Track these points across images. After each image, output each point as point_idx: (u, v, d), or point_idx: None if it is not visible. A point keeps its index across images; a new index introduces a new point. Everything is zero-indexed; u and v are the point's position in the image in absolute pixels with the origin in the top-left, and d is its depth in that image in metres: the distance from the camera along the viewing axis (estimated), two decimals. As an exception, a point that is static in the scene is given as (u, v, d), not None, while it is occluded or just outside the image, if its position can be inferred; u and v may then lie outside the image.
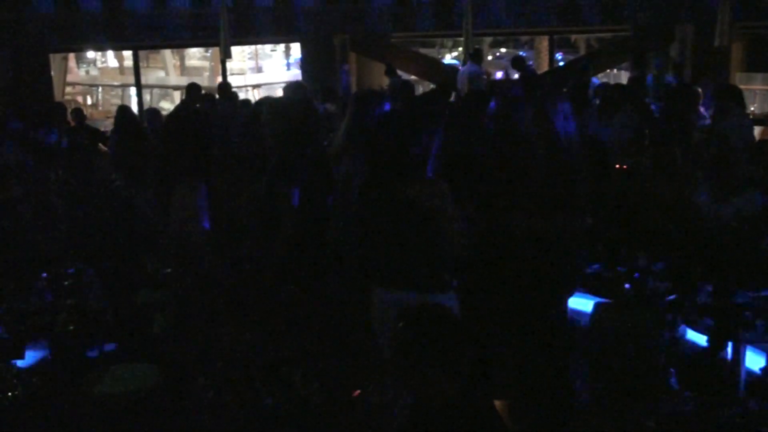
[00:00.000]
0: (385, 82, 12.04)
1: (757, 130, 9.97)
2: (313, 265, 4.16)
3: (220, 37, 11.83)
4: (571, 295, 4.22)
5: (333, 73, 13.34)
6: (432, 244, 3.37)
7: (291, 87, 9.92)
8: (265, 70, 18.31)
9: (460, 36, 11.74)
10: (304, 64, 14.65)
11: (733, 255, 5.08)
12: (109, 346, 5.08)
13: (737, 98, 7.94)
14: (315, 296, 4.20)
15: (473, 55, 11.56)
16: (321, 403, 3.64)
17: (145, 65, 17.22)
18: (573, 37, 17.71)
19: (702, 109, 8.75)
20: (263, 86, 16.90)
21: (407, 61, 13.63)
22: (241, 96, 12.87)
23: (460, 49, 14.16)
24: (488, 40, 17.47)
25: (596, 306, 5.02)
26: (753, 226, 5.30)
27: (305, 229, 4.11)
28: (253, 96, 16.01)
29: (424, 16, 13.30)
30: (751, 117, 9.19)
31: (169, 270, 5.28)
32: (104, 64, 18.65)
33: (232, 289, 4.38)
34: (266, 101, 6.33)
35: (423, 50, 16.59)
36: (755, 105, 11.47)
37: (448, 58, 18.80)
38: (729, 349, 4.55)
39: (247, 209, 5.00)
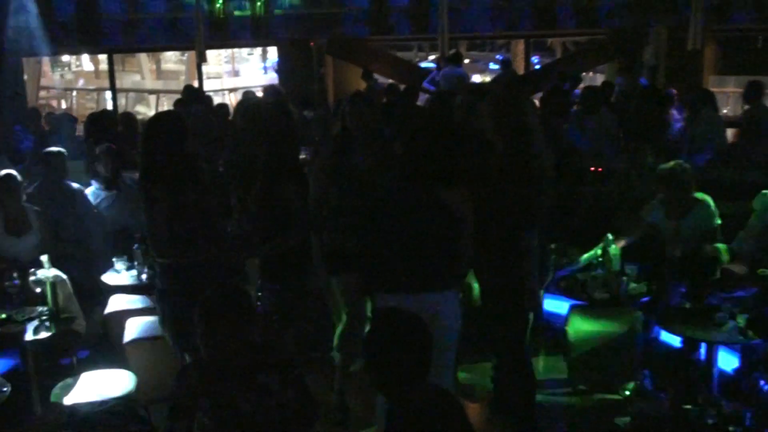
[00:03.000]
0: (362, 85, 12.05)
1: (730, 132, 10.08)
2: (300, 266, 4.17)
3: (196, 40, 11.77)
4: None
5: (310, 76, 13.32)
6: (457, 246, 3.53)
7: (268, 91, 9.92)
8: (241, 73, 18.27)
9: (437, 39, 11.76)
10: (281, 67, 14.63)
11: (706, 255, 5.13)
12: (83, 353, 5.05)
13: (710, 101, 8.04)
14: (295, 299, 4.20)
15: (452, 58, 11.62)
16: (299, 410, 3.63)
17: (121, 69, 17.10)
18: (549, 40, 17.81)
19: (675, 112, 8.82)
20: (240, 90, 16.86)
21: (384, 65, 13.64)
22: (218, 100, 12.84)
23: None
24: (464, 43, 17.52)
25: (571, 308, 5.06)
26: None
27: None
28: (230, 100, 15.97)
29: (400, 19, 13.31)
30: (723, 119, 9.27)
31: (144, 276, 5.25)
32: (79, 68, 18.51)
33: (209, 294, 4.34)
34: (243, 104, 6.33)
35: (400, 54, 16.62)
36: (728, 107, 11.60)
37: (425, 62, 18.85)
38: (702, 350, 4.60)
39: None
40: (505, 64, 12.61)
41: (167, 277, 3.98)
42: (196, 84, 14.12)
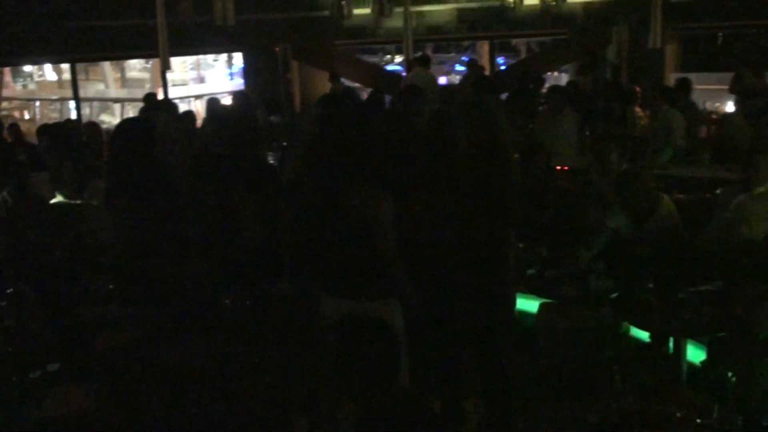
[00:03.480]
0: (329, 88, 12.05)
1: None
2: (268, 272, 4.14)
3: (160, 48, 11.67)
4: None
5: (276, 82, 13.29)
6: (370, 253, 3.33)
7: (236, 97, 9.88)
8: (207, 80, 18.15)
9: (402, 42, 11.80)
10: (247, 73, 14.57)
11: (670, 251, 5.19)
12: (52, 367, 4.98)
13: (669, 98, 8.15)
14: (264, 305, 4.17)
15: (421, 60, 11.67)
16: (269, 417, 3.62)
17: (84, 78, 16.91)
18: (514, 41, 17.93)
19: (638, 109, 8.94)
20: (206, 96, 16.76)
21: (350, 68, 13.65)
22: (184, 107, 12.75)
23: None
24: (430, 45, 17.57)
25: (541, 306, 5.10)
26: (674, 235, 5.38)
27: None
28: (196, 107, 15.85)
29: (365, 23, 13.33)
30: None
31: (111, 286, 5.19)
32: (42, 78, 18.27)
33: (179, 302, 4.32)
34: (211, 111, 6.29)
35: (365, 57, 16.64)
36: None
37: (391, 65, 18.88)
38: (670, 344, 4.65)
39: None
40: (471, 64, 12.68)
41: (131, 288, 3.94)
42: (161, 92, 14.04)
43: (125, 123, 4.50)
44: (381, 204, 3.33)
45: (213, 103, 9.80)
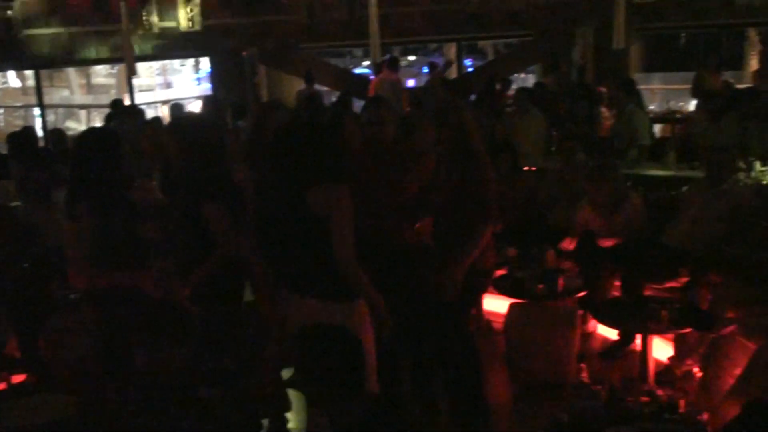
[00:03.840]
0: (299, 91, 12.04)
1: (657, 128, 10.37)
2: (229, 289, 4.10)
3: (125, 53, 11.59)
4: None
5: (243, 87, 13.24)
6: (329, 252, 3.27)
7: (205, 102, 9.81)
8: (174, 85, 18.01)
9: (369, 45, 11.83)
10: (214, 78, 14.50)
11: (636, 249, 5.27)
12: (18, 378, 4.92)
13: (634, 96, 8.25)
14: (233, 313, 4.15)
15: (391, 63, 11.71)
16: (239, 425, 3.60)
17: (49, 84, 16.70)
18: (480, 43, 18.02)
19: (604, 109, 9.04)
20: (173, 102, 16.64)
21: (317, 72, 13.63)
22: (151, 113, 12.66)
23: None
24: (398, 48, 17.60)
25: (510, 306, 5.14)
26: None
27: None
28: (163, 113, 15.74)
29: (332, 25, 13.32)
30: (650, 115, 9.53)
31: (73, 296, 5.13)
32: (5, 85, 18.02)
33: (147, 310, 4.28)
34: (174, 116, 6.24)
35: (333, 60, 16.63)
36: (655, 104, 11.92)
37: (360, 68, 18.89)
38: (637, 341, 4.72)
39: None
40: (432, 66, 12.71)
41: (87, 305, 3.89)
42: (127, 97, 13.92)
43: (89, 132, 4.44)
44: (340, 201, 3.31)
45: (176, 110, 9.75)
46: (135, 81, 14.46)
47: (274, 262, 3.51)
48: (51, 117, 15.93)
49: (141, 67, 14.04)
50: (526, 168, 7.04)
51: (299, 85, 13.80)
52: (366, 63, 17.46)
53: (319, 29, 13.26)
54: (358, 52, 18.75)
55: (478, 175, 3.97)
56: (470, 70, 15.33)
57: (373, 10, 10.64)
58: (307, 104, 9.65)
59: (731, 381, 3.84)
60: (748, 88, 9.19)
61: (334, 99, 11.80)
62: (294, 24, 13.23)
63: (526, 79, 15.24)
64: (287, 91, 13.60)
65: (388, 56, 12.25)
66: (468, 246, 3.93)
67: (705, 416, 3.81)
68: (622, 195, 5.50)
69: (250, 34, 13.51)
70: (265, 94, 13.53)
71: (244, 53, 13.51)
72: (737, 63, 13.10)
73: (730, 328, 4.11)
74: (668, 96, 12.40)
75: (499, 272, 5.37)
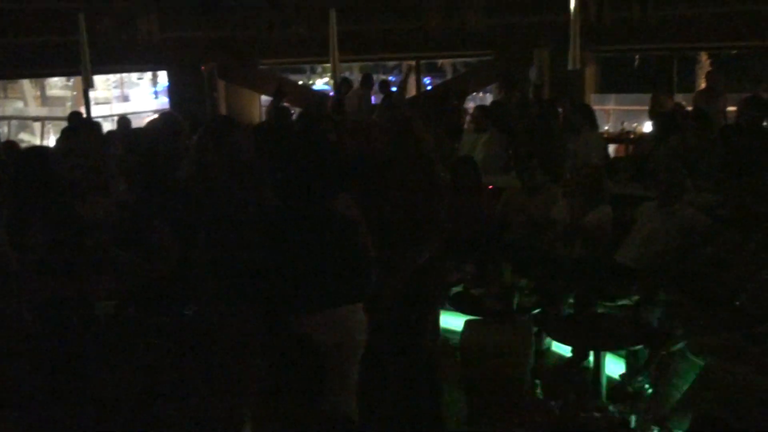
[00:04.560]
0: (254, 109, 12.04)
1: (612, 148, 10.57)
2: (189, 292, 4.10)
3: (82, 65, 11.45)
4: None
5: (202, 101, 13.18)
6: (355, 254, 3.44)
7: (162, 118, 9.73)
8: (131, 98, 17.88)
9: (328, 62, 11.88)
10: (172, 92, 14.40)
11: (590, 266, 5.37)
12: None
13: (589, 117, 8.40)
14: (189, 324, 4.13)
15: (364, 80, 11.85)
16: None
17: (2, 96, 16.46)
18: (440, 61, 18.19)
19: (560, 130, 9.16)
20: (130, 116, 16.49)
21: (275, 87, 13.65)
22: (108, 126, 12.51)
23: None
24: (356, 65, 17.70)
25: (466, 323, 5.17)
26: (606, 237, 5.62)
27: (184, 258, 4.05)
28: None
29: (292, 41, 13.33)
30: (605, 135, 9.71)
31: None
32: (-42, 96, 17.73)
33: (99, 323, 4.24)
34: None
35: (293, 76, 16.66)
36: (609, 124, 12.16)
37: (319, 84, 18.94)
38: (591, 358, 4.79)
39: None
40: (383, 85, 12.76)
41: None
42: (83, 110, 13.74)
43: (24, 153, 4.45)
44: (354, 206, 3.45)
45: (123, 123, 9.71)
46: (91, 94, 14.31)
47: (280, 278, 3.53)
48: (4, 129, 15.69)
49: (98, 79, 13.89)
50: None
51: (258, 100, 13.82)
52: (325, 80, 17.51)
53: (279, 45, 13.27)
54: (318, 68, 18.81)
55: (429, 190, 4.02)
56: (429, 88, 15.49)
57: (333, 27, 10.70)
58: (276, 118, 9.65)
59: (680, 396, 3.92)
60: (698, 109, 9.42)
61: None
62: (253, 39, 13.22)
63: (485, 99, 15.44)
64: (246, 107, 13.56)
65: (344, 74, 12.38)
66: (408, 256, 3.96)
67: (655, 431, 3.89)
68: (599, 197, 5.66)
69: (209, 48, 13.46)
70: (223, 110, 13.48)
71: (202, 67, 13.46)
72: (689, 86, 13.43)
73: (680, 345, 4.20)
74: (622, 117, 12.66)
75: (456, 289, 5.43)
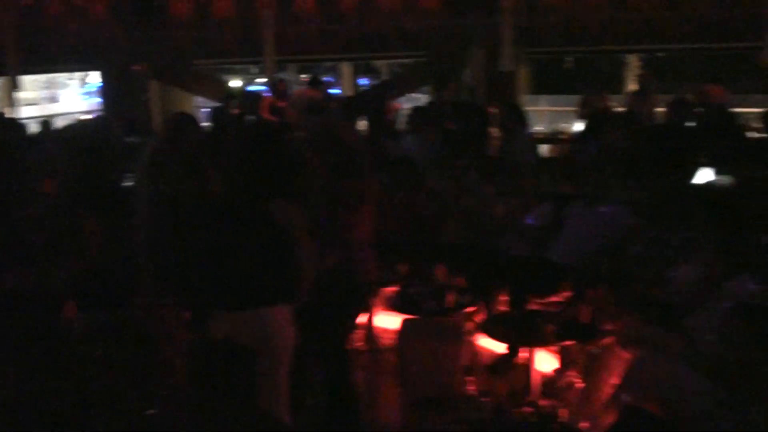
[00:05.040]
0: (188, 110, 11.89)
1: (546, 148, 10.76)
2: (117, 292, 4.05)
3: (9, 65, 11.16)
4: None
5: (134, 102, 12.96)
6: (288, 258, 3.43)
7: (95, 119, 9.57)
8: (61, 99, 17.46)
9: (263, 62, 11.82)
10: (105, 93, 14.12)
11: (524, 264, 5.46)
12: None
13: (521, 118, 8.53)
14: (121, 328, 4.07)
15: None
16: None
17: (-76, 97, 15.89)
18: (375, 62, 18.23)
19: (494, 130, 9.28)
20: (60, 117, 16.10)
21: (210, 89, 13.49)
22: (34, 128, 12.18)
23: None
24: (292, 66, 17.63)
25: (403, 323, 5.21)
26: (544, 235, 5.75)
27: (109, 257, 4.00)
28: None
29: (227, 42, 13.21)
30: (537, 136, 9.87)
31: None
32: None
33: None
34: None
35: (228, 77, 16.51)
36: (542, 125, 12.37)
37: (253, 85, 18.79)
38: (523, 354, 4.87)
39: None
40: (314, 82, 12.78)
41: None
42: (8, 111, 13.38)
43: None
44: (299, 213, 3.45)
45: (46, 125, 9.53)
46: (20, 94, 13.93)
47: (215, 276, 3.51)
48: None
49: (26, 79, 13.54)
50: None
51: (193, 101, 13.65)
52: (261, 80, 17.38)
53: (214, 45, 13.14)
54: (254, 68, 18.65)
55: (357, 194, 4.04)
56: (365, 89, 15.53)
57: (269, 28, 10.65)
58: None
59: (609, 390, 4.02)
60: (627, 110, 9.65)
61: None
62: (187, 39, 13.06)
63: (420, 100, 15.52)
64: (180, 107, 13.37)
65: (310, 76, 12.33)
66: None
67: (586, 425, 3.98)
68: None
69: (142, 49, 13.25)
70: (157, 111, 13.28)
71: (134, 68, 13.24)
72: (618, 87, 13.74)
73: (608, 340, 4.31)
74: (554, 117, 12.89)
75: (391, 289, 5.47)
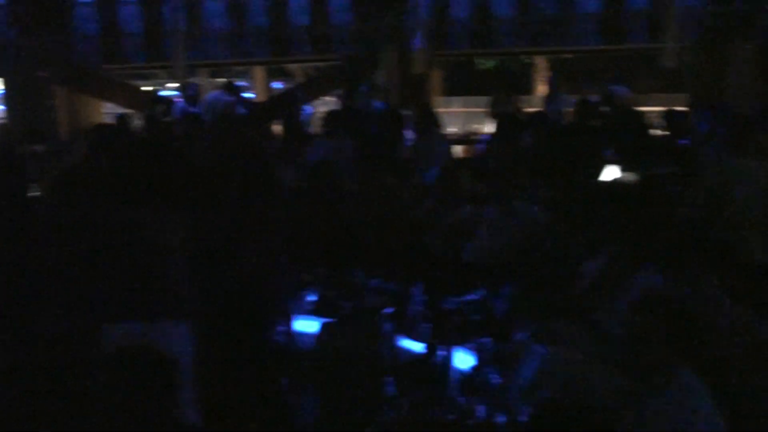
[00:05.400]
0: (97, 117, 11.59)
1: (460, 149, 10.92)
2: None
3: None
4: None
5: (39, 109, 12.56)
6: (164, 273, 3.34)
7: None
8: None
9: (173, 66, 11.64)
10: (8, 100, 13.64)
11: (440, 264, 5.53)
12: None
13: (434, 120, 8.64)
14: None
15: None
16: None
17: None
18: (289, 66, 18.13)
19: (407, 132, 9.36)
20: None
21: (118, 95, 13.19)
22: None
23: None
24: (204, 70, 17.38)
25: (321, 326, 5.20)
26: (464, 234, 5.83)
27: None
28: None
29: (135, 47, 12.95)
30: (451, 137, 10.01)
31: None
32: None
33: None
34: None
35: (137, 82, 16.13)
36: (455, 127, 12.55)
37: (164, 90, 18.44)
38: (441, 353, 4.93)
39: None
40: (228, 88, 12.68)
41: None
42: None
43: None
44: (176, 226, 3.34)
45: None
46: None
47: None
48: None
49: None
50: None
51: (101, 107, 13.33)
52: (172, 85, 17.07)
53: (123, 50, 12.87)
54: (163, 74, 18.32)
55: (267, 199, 4.03)
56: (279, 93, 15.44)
57: (178, 32, 10.49)
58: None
59: (525, 385, 4.11)
60: (536, 111, 9.88)
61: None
62: (95, 44, 12.75)
63: (335, 103, 15.52)
64: (88, 114, 13.04)
65: (189, 83, 12.10)
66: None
67: (503, 420, 4.05)
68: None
69: (47, 54, 12.85)
70: (63, 117, 12.89)
71: (39, 74, 12.83)
72: (528, 88, 14.07)
73: (523, 336, 4.40)
74: (467, 118, 13.09)
75: (310, 293, 5.45)
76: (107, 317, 3.42)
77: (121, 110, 12.40)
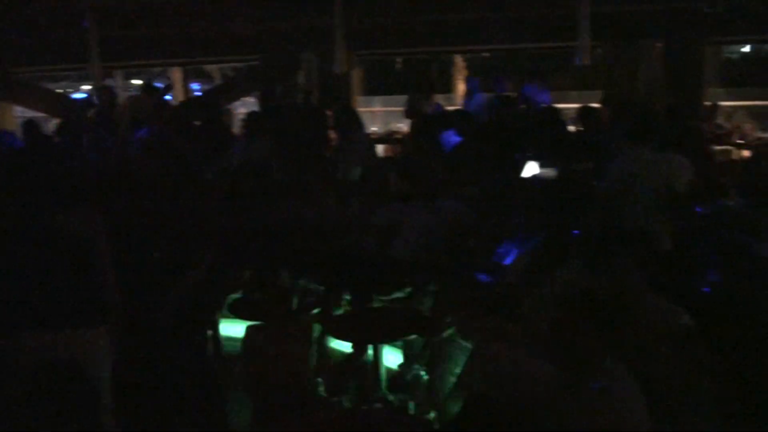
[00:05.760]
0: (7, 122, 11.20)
1: (381, 148, 10.98)
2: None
3: None
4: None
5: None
6: (83, 276, 3.24)
7: None
8: None
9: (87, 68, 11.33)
10: None
11: (366, 263, 5.55)
12: None
13: (356, 119, 8.65)
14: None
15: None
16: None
17: None
18: (207, 66, 17.88)
19: (330, 132, 9.37)
20: None
21: (32, 98, 12.77)
22: None
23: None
24: (120, 71, 16.98)
25: (247, 329, 5.16)
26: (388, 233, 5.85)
27: None
28: None
29: (50, 48, 12.55)
30: (372, 137, 10.05)
31: None
32: None
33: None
34: None
35: (50, 85, 15.67)
36: (376, 126, 12.62)
37: (78, 93, 17.96)
38: (370, 351, 4.95)
39: None
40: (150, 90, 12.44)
41: None
42: None
43: None
44: (93, 225, 3.25)
45: None
46: None
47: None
48: None
49: None
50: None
51: (11, 110, 12.92)
52: (86, 87, 16.63)
53: (35, 51, 12.46)
54: (78, 75, 17.83)
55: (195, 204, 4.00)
56: (197, 94, 15.20)
57: (94, 32, 10.23)
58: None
59: (453, 380, 4.17)
60: (456, 109, 10.00)
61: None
62: (6, 45, 12.31)
63: (256, 104, 15.37)
64: (5, 119, 12.62)
65: (104, 85, 11.80)
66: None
67: (433, 415, 4.10)
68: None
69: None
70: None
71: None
72: (447, 86, 14.22)
73: (449, 331, 4.45)
74: (388, 117, 13.16)
75: (235, 296, 5.40)
76: (24, 325, 3.31)
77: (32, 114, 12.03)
